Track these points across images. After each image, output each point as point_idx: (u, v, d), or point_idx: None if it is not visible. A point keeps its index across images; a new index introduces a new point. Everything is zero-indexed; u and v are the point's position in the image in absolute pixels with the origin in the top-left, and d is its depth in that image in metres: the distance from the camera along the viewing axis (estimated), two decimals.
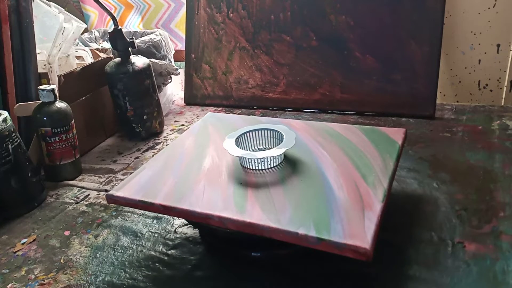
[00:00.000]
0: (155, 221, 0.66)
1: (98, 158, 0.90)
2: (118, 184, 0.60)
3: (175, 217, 0.65)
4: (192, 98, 1.15)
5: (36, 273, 0.57)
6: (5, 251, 0.62)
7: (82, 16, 1.51)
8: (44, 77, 0.87)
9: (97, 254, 0.60)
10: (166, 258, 0.58)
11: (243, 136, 0.61)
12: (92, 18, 1.51)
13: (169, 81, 1.07)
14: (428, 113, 0.92)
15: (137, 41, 1.02)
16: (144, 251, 0.60)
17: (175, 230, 0.63)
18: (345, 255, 0.42)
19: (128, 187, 0.56)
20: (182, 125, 1.02)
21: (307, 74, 1.03)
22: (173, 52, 1.14)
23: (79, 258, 0.59)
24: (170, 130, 1.00)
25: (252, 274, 0.53)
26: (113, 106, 0.95)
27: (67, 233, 0.65)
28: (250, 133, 0.62)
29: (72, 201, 0.74)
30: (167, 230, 0.63)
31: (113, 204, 0.67)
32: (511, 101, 1.04)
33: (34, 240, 0.64)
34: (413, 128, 0.88)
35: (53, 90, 0.76)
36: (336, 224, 0.44)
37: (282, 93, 1.05)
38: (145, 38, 1.06)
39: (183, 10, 1.29)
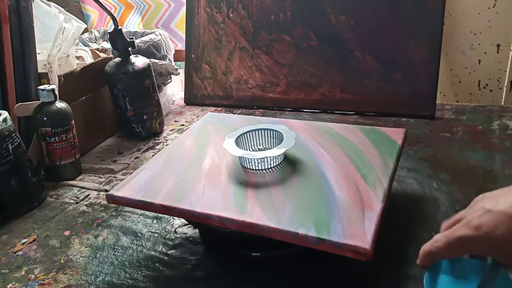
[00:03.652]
0: (155, 221, 0.66)
1: (98, 158, 0.90)
2: (118, 184, 0.60)
3: (175, 217, 0.65)
4: (192, 98, 1.15)
5: (36, 273, 0.57)
6: (5, 251, 0.62)
7: (82, 16, 1.51)
8: (44, 77, 0.87)
9: (97, 254, 0.60)
10: (166, 258, 0.58)
11: (243, 136, 0.61)
12: (92, 18, 1.51)
13: (169, 81, 1.07)
14: (428, 113, 0.92)
15: (137, 41, 1.02)
16: (144, 251, 0.60)
17: (175, 230, 0.63)
18: (345, 255, 0.42)
19: (128, 187, 0.56)
20: (182, 125, 1.02)
21: (307, 74, 1.03)
22: (173, 52, 1.14)
23: (79, 258, 0.59)
24: (170, 130, 1.00)
25: (252, 274, 0.53)
26: (113, 106, 0.95)
27: (67, 233, 0.65)
28: (250, 133, 0.62)
29: (72, 201, 0.74)
30: (167, 230, 0.63)
31: (113, 204, 0.67)
32: (511, 101, 1.04)
33: (34, 240, 0.64)
34: (413, 128, 0.88)
35: (53, 90, 0.76)
36: (336, 224, 0.44)
37: (282, 93, 1.05)
38: (145, 38, 1.06)
39: (183, 10, 1.29)
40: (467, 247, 0.37)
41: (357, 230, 0.43)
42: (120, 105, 0.92)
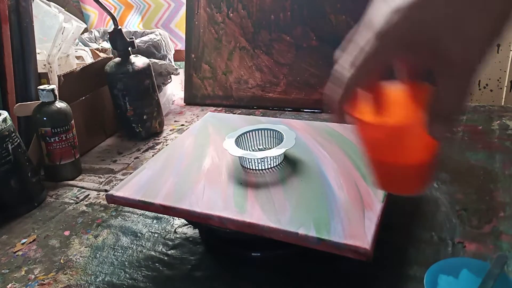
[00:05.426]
0: (155, 221, 0.66)
1: (98, 158, 0.90)
2: (118, 184, 0.60)
3: (175, 217, 0.65)
4: (192, 98, 1.15)
5: (36, 273, 0.57)
6: (5, 251, 0.62)
7: (82, 16, 1.51)
8: (44, 77, 0.87)
9: (97, 254, 0.60)
10: (166, 258, 0.58)
11: (243, 136, 0.61)
12: (92, 18, 1.51)
13: (169, 81, 1.07)
14: None
15: (137, 41, 1.02)
16: (144, 251, 0.59)
17: (175, 230, 0.63)
18: (345, 255, 0.42)
19: (128, 187, 0.56)
20: (182, 125, 1.02)
21: (307, 74, 1.03)
22: (173, 52, 1.14)
23: (79, 258, 0.59)
24: (170, 130, 1.00)
25: (252, 274, 0.53)
26: (113, 106, 0.95)
27: (67, 233, 0.65)
28: (250, 133, 0.62)
29: (72, 201, 0.74)
30: (167, 230, 0.63)
31: (113, 204, 0.67)
32: (511, 101, 1.04)
33: (34, 240, 0.64)
34: None
35: (53, 90, 0.76)
36: (336, 224, 0.44)
37: (282, 93, 1.05)
38: (145, 38, 1.06)
39: (183, 10, 1.29)
40: (378, 56, 0.32)
41: (357, 230, 0.43)
42: (120, 105, 0.92)
